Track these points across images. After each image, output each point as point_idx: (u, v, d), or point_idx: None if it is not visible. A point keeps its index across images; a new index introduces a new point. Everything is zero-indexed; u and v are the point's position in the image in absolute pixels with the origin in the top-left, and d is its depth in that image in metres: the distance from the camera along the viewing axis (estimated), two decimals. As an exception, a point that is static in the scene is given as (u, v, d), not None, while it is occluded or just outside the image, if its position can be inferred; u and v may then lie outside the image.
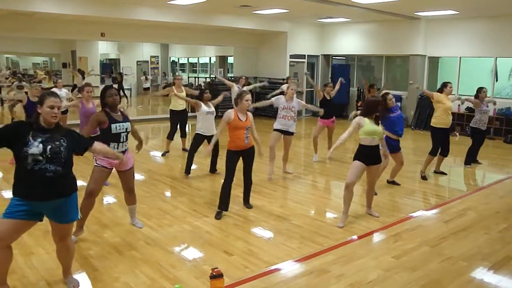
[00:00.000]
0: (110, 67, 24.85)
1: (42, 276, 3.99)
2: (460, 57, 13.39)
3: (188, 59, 25.44)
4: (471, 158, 8.79)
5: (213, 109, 7.54)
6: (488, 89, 12.77)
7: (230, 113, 5.55)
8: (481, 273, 4.26)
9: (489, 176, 8.62)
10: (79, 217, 3.68)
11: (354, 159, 5.43)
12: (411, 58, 14.17)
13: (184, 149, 9.54)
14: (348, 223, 5.50)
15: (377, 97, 5.71)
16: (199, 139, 7.48)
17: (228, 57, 21.65)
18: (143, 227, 5.28)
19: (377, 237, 5.16)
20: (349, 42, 15.80)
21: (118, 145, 4.74)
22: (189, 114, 9.84)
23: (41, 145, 3.30)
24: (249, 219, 5.64)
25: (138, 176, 7.85)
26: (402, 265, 4.34)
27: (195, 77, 17.71)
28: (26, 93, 8.55)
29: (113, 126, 4.68)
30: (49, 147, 3.33)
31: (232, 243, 4.86)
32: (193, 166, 7.85)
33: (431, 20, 13.59)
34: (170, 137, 9.43)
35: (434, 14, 12.50)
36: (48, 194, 3.38)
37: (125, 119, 4.84)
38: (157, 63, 25.48)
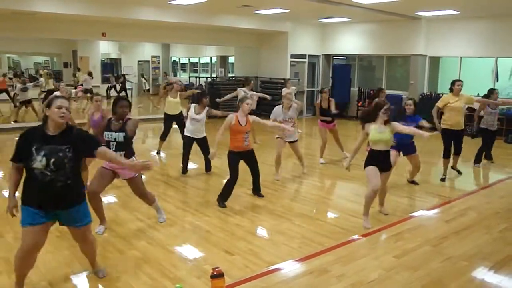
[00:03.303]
0: (111, 67, 24.87)
1: (44, 276, 3.99)
2: (461, 57, 13.37)
3: (189, 59, 25.42)
4: (479, 158, 8.85)
5: (201, 116, 7.40)
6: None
7: (231, 118, 5.88)
8: (482, 273, 4.26)
9: (490, 176, 8.62)
10: (91, 220, 3.74)
11: (366, 165, 5.37)
12: (412, 58, 14.16)
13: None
14: (349, 223, 5.51)
15: (380, 102, 5.51)
16: (187, 141, 7.60)
17: (229, 57, 21.65)
18: (165, 221, 5.43)
19: (378, 237, 5.16)
20: (350, 42, 15.80)
21: None
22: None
23: (44, 159, 3.28)
24: (250, 219, 5.65)
25: (139, 176, 7.87)
26: (403, 265, 4.34)
27: (196, 77, 17.69)
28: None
29: (105, 133, 4.95)
30: (52, 160, 3.29)
31: (233, 243, 4.87)
32: (194, 166, 7.88)
33: (432, 20, 13.58)
34: (163, 137, 9.42)
35: (434, 14, 12.49)
36: (59, 204, 3.44)
37: (121, 129, 4.90)
38: (158, 63, 25.47)
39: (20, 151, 3.39)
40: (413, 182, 7.41)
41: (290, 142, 7.58)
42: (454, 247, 4.82)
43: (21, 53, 25.84)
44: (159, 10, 12.37)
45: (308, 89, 16.70)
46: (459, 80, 7.68)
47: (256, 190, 6.53)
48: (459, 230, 5.33)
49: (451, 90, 7.64)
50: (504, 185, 7.71)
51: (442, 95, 13.15)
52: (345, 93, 15.94)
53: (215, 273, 3.63)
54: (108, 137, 4.91)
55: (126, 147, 4.94)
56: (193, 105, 7.47)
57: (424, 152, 8.30)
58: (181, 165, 7.77)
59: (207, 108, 7.46)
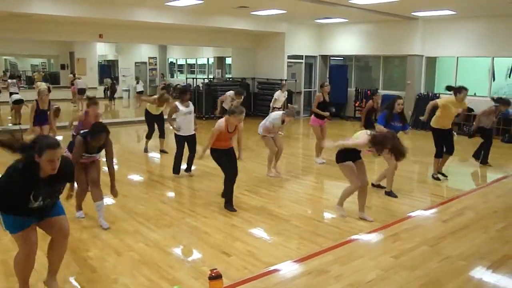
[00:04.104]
0: (108, 69, 24.85)
1: (41, 278, 3.97)
2: (458, 57, 13.41)
3: (186, 60, 25.43)
4: (484, 157, 8.91)
5: (191, 108, 7.55)
6: (486, 89, 12.88)
7: (221, 125, 5.86)
8: (480, 272, 4.27)
9: (487, 175, 8.64)
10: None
11: (341, 160, 5.49)
12: (408, 58, 14.19)
13: (162, 151, 9.66)
14: (347, 223, 5.51)
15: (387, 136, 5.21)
16: (179, 140, 7.60)
17: (226, 58, 21.65)
18: (108, 228, 5.25)
19: (376, 237, 5.16)
20: (347, 43, 15.82)
21: (84, 154, 5.19)
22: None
23: (42, 202, 3.39)
24: (248, 220, 5.64)
25: (136, 177, 7.87)
26: (401, 265, 4.35)
27: (193, 78, 17.66)
28: (37, 100, 8.33)
29: (84, 155, 5.19)
30: (48, 200, 3.45)
31: (231, 244, 4.86)
32: (192, 167, 7.86)
33: (428, 20, 13.61)
34: (149, 136, 9.67)
35: (431, 14, 12.52)
36: (42, 217, 3.57)
37: (98, 150, 5.23)
38: (155, 64, 25.47)
39: (14, 199, 3.28)
40: (379, 186, 7.05)
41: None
42: (451, 246, 4.83)
43: (18, 55, 25.75)
44: (156, 11, 12.37)
45: (305, 90, 16.71)
46: (466, 89, 7.50)
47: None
48: (457, 230, 5.34)
49: (455, 94, 7.47)
50: (501, 184, 7.72)
51: (439, 95, 13.26)
52: (342, 93, 15.96)
53: (213, 274, 3.63)
54: (85, 157, 5.19)
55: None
56: (176, 103, 7.47)
57: (421, 152, 8.31)
58: (178, 166, 7.75)
59: (190, 102, 7.61)
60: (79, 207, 5.61)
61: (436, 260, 4.47)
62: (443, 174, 7.90)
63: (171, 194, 6.96)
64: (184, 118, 7.44)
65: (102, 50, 23.05)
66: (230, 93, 10.66)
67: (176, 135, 7.59)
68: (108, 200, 6.40)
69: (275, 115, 7.74)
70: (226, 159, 6.03)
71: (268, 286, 3.92)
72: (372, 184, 7.02)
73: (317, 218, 5.79)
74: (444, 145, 7.66)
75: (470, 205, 6.39)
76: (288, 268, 4.30)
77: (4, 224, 3.42)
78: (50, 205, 3.54)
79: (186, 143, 7.62)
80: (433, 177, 7.79)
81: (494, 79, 12.93)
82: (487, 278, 4.15)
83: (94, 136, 4.95)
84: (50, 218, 3.59)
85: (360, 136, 5.33)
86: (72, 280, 4.01)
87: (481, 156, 8.92)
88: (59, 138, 6.84)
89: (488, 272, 4.26)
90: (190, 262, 4.49)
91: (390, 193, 6.70)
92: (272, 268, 4.27)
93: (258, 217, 5.75)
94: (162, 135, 9.60)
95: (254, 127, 7.60)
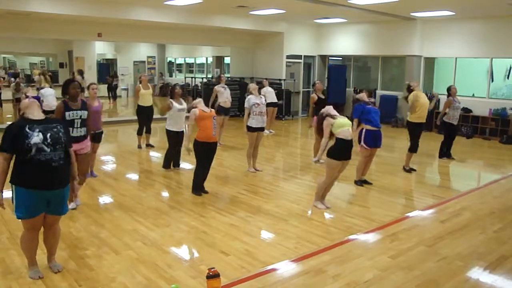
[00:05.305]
0: (107, 67, 24.82)
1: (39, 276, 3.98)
2: (456, 58, 13.41)
3: (185, 59, 25.40)
4: (442, 151, 9.30)
5: (184, 105, 7.78)
6: (484, 90, 12.90)
7: (194, 111, 6.28)
8: (477, 273, 4.28)
9: (485, 176, 8.66)
10: (67, 210, 4.08)
11: (332, 157, 5.72)
12: (407, 58, 14.19)
13: (148, 145, 10.00)
14: (344, 223, 5.52)
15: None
16: (172, 135, 7.82)
17: (225, 57, 21.63)
18: (80, 204, 5.86)
19: (373, 237, 5.17)
20: (346, 43, 15.82)
21: (73, 129, 5.37)
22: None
23: (40, 134, 3.56)
24: (246, 219, 5.65)
25: (134, 176, 7.87)
26: (399, 265, 4.36)
27: (192, 77, 17.66)
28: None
29: (66, 113, 5.35)
30: (48, 134, 3.59)
31: (229, 243, 4.87)
32: (190, 166, 7.87)
33: (427, 21, 13.62)
34: (140, 132, 9.90)
35: (430, 15, 12.52)
36: (54, 183, 3.65)
37: (82, 107, 5.46)
38: (154, 63, 25.43)
39: (14, 137, 3.55)
40: (365, 182, 7.35)
41: (259, 131, 7.91)
42: (449, 247, 4.84)
43: (17, 53, 25.74)
44: (154, 10, 12.36)
45: (303, 89, 16.71)
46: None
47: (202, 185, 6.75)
48: (454, 230, 5.35)
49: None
50: (499, 185, 7.74)
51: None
52: (341, 93, 15.96)
53: (210, 273, 3.63)
54: (72, 116, 5.36)
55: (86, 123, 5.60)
56: (171, 100, 7.70)
57: (418, 153, 8.32)
58: (168, 161, 8.03)
59: (182, 99, 7.84)
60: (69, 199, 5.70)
61: (434, 260, 4.48)
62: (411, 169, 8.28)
63: (169, 193, 6.96)
64: (177, 114, 7.68)
65: (101, 49, 23.01)
66: (217, 87, 10.76)
67: (168, 131, 7.80)
68: (106, 198, 6.43)
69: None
70: (205, 157, 6.44)
71: (266, 286, 3.93)
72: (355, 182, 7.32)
73: (315, 218, 5.79)
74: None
75: (467, 205, 6.40)
76: (285, 268, 4.30)
77: (17, 204, 3.63)
78: (59, 161, 3.63)
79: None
80: (404, 169, 8.17)
81: (492, 80, 12.94)
82: (484, 279, 4.16)
83: (69, 86, 5.33)
84: (49, 215, 3.82)
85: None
86: (69, 278, 4.01)
87: (445, 150, 9.24)
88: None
89: (485, 272, 4.27)
90: (188, 261, 4.50)
91: (357, 182, 7.22)
92: (269, 267, 4.28)
93: (256, 216, 5.76)
94: (148, 131, 9.94)
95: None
